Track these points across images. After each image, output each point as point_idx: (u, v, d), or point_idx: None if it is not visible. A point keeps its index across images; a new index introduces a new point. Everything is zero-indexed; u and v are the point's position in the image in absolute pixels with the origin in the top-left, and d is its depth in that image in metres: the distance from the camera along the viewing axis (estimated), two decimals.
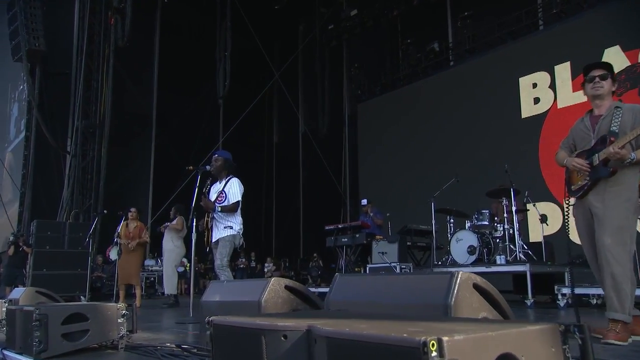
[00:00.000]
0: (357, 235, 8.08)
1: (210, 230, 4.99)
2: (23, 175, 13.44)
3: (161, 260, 10.87)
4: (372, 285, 1.85)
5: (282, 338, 1.33)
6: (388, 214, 8.87)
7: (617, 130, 3.13)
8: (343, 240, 8.28)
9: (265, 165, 19.61)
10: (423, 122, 13.33)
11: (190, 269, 5.49)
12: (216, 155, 5.28)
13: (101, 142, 11.67)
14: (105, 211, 8.19)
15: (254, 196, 13.78)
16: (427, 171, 12.67)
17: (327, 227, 8.90)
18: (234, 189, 5.04)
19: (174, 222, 8.05)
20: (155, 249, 13.22)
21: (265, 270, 15.80)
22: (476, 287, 1.64)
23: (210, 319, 1.58)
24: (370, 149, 14.81)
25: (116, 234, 7.48)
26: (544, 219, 7.00)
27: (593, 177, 3.20)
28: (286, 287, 2.40)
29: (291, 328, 1.33)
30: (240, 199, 5.04)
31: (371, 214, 8.71)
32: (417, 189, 12.51)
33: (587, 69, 3.40)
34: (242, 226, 5.05)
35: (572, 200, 3.47)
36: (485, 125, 11.97)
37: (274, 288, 2.33)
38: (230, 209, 4.99)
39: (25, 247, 10.35)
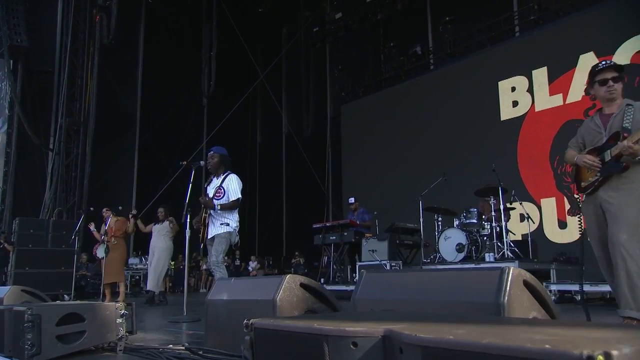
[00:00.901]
0: (345, 234, 7.89)
1: (206, 226, 4.73)
2: (5, 172, 12.86)
3: (145, 259, 10.49)
4: (405, 282, 1.65)
5: (352, 346, 1.09)
6: (375, 212, 8.70)
7: (629, 127, 3.07)
8: (331, 238, 8.09)
9: (249, 164, 19.29)
10: (406, 124, 13.26)
11: (183, 267, 5.20)
12: (212, 152, 5.02)
13: (85, 139, 11.22)
14: (92, 208, 7.80)
15: None
16: (410, 171, 12.62)
17: (314, 226, 8.69)
18: (233, 186, 4.80)
19: (167, 223, 7.83)
20: (140, 248, 12.83)
21: (250, 268, 15.52)
22: (526, 284, 1.47)
23: (251, 321, 1.33)
24: (354, 149, 14.68)
25: (103, 231, 7.14)
26: (528, 217, 6.94)
27: (604, 173, 3.10)
28: (301, 284, 2.19)
29: (363, 334, 1.09)
30: (240, 196, 4.81)
31: (359, 213, 8.53)
32: (401, 188, 12.44)
33: (597, 72, 3.28)
34: (238, 223, 4.81)
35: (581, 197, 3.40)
36: (465, 127, 11.96)
37: (289, 286, 2.11)
38: (230, 207, 4.76)
39: (6, 245, 9.88)
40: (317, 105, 16.36)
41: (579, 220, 3.36)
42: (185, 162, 4.81)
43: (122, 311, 2.63)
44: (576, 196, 3.48)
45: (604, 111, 3.31)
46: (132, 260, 12.34)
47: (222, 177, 4.90)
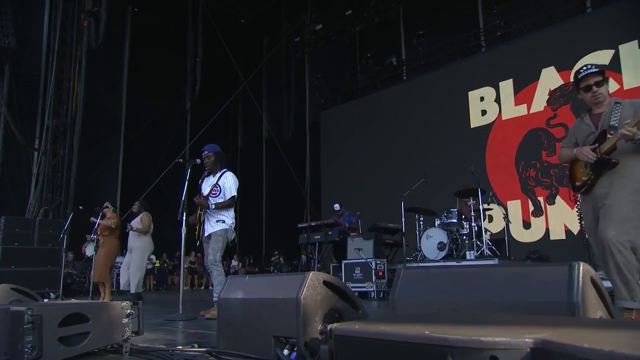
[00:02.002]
0: (330, 233, 7.68)
1: (202, 224, 4.44)
2: None
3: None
4: (453, 280, 1.44)
5: None
6: (358, 213, 8.52)
7: (616, 125, 2.91)
8: (315, 237, 7.87)
9: (229, 167, 18.87)
10: (382, 130, 13.22)
11: (180, 265, 4.80)
12: (206, 152, 4.73)
13: (72, 141, 10.67)
14: (81, 207, 7.30)
15: None
16: (386, 174, 12.61)
17: (299, 225, 8.46)
18: (229, 183, 4.53)
19: (138, 220, 6.97)
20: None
21: (231, 267, 15.13)
22: (592, 281, 1.29)
23: (332, 327, 1.02)
24: (332, 153, 14.54)
25: (94, 229, 6.68)
26: (506, 216, 6.88)
27: (596, 170, 2.97)
28: (324, 282, 1.96)
29: (506, 345, 0.80)
30: (235, 194, 4.52)
31: (345, 216, 8.33)
32: (378, 190, 12.40)
33: (580, 79, 3.12)
34: (234, 220, 4.53)
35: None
36: (438, 134, 11.99)
37: (312, 283, 1.88)
38: (226, 206, 4.47)
39: None
40: (297, 111, 16.15)
41: (579, 217, 3.25)
42: (181, 160, 4.50)
43: (128, 311, 2.34)
44: (574, 198, 3.36)
45: (593, 111, 3.17)
46: (119, 259, 11.75)
47: (219, 174, 4.63)
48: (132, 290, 6.80)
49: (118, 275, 9.90)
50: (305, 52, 15.43)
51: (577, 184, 3.15)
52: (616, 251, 2.75)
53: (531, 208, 10.52)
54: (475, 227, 6.40)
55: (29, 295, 4.54)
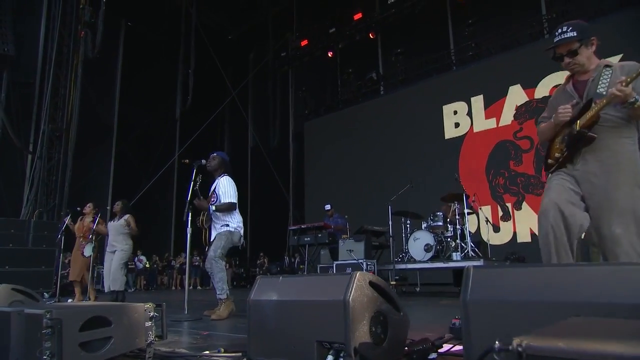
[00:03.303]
0: (320, 235, 7.44)
1: (207, 229, 4.14)
2: None
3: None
4: (539, 280, 1.23)
5: None
6: (347, 216, 8.31)
7: (604, 92, 2.19)
8: (306, 239, 7.61)
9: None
10: (362, 140, 13.14)
11: (188, 264, 4.42)
12: (214, 154, 4.44)
13: (67, 145, 10.16)
14: (78, 208, 6.81)
15: None
16: (365, 180, 12.52)
17: (290, 227, 8.20)
18: (224, 189, 4.21)
19: (124, 223, 6.12)
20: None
21: None
22: None
23: (523, 344, 0.66)
24: (315, 161, 14.36)
25: (92, 230, 6.22)
26: (487, 220, 6.80)
27: (571, 146, 2.27)
28: (370, 283, 1.74)
29: None
30: (232, 199, 4.20)
31: (334, 218, 8.11)
32: (357, 194, 12.30)
33: (552, 47, 2.37)
34: (241, 224, 4.22)
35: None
36: (415, 144, 11.98)
37: (359, 284, 1.65)
38: (224, 209, 4.16)
39: None
40: (282, 121, 15.92)
41: None
42: (187, 161, 4.19)
43: (152, 313, 2.04)
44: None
45: (577, 77, 2.39)
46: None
47: (216, 182, 4.33)
48: (117, 289, 5.98)
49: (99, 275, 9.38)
50: (290, 67, 15.24)
51: (549, 161, 2.42)
52: (634, 254, 2.09)
53: (500, 213, 10.57)
54: (459, 230, 6.29)
55: (30, 295, 4.12)
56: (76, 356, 1.77)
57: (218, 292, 4.01)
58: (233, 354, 1.91)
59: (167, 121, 16.38)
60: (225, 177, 4.35)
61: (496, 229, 10.48)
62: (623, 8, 9.74)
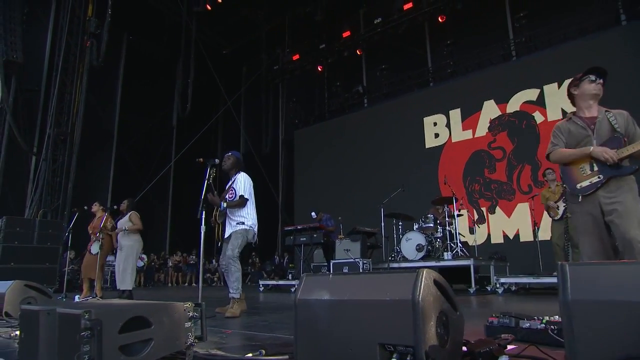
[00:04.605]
0: (315, 235, 7.23)
1: (220, 225, 3.88)
2: None
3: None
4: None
5: None
6: (340, 218, 8.12)
7: (622, 132, 2.54)
8: (301, 239, 7.38)
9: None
10: (348, 148, 13.07)
11: (199, 262, 4.06)
12: (229, 154, 4.21)
13: (72, 148, 9.74)
14: (85, 207, 6.42)
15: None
16: (351, 184, 12.41)
17: (286, 228, 7.94)
18: (239, 184, 3.99)
19: (127, 219, 5.93)
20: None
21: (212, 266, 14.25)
22: None
23: None
24: (305, 166, 14.18)
25: (99, 228, 5.86)
26: (476, 222, 6.72)
27: (607, 174, 2.52)
28: (435, 281, 1.55)
29: None
30: (244, 193, 3.96)
31: (323, 220, 7.87)
32: (344, 198, 12.14)
33: (590, 70, 2.69)
34: (256, 221, 3.99)
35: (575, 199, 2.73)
36: (398, 152, 11.94)
37: (427, 283, 1.46)
38: (236, 205, 3.92)
39: None
40: (273, 129, 15.69)
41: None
42: (201, 160, 3.93)
43: (191, 313, 1.79)
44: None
45: (582, 114, 2.67)
46: (110, 257, 10.66)
47: (233, 178, 4.11)
48: (125, 288, 5.72)
49: (113, 274, 8.93)
50: (282, 79, 15.06)
51: (583, 184, 2.62)
52: None
53: (476, 216, 10.57)
54: (449, 231, 6.19)
55: (42, 291, 3.81)
56: None
57: (232, 291, 3.77)
58: (279, 357, 1.68)
59: (164, 128, 16.01)
60: (242, 173, 4.13)
61: (472, 231, 10.48)
62: (580, 37, 9.95)
